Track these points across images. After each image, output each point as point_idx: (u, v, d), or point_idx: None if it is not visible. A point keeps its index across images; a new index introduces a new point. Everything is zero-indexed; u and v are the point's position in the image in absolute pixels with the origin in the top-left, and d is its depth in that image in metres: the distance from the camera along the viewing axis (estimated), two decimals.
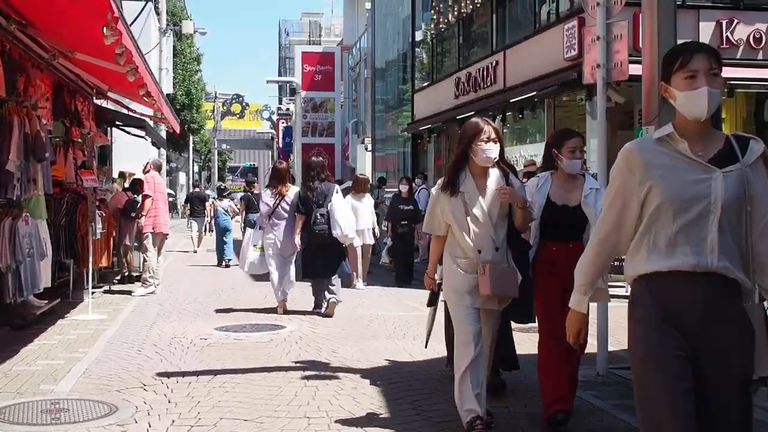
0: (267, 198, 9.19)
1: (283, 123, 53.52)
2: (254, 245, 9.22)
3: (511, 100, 14.28)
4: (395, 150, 27.72)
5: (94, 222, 8.85)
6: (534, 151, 14.39)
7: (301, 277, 9.28)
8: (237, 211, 16.41)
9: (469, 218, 4.38)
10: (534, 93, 13.23)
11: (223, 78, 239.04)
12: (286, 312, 9.07)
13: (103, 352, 6.95)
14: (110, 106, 14.64)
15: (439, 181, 4.58)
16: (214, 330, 8.06)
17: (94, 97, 12.82)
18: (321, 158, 9.90)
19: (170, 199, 47.34)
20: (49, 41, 8.45)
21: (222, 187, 18.28)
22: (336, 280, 9.07)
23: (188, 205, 20.08)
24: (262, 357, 6.75)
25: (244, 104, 62.37)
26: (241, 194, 16.92)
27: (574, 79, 11.22)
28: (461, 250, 4.45)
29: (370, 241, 12.32)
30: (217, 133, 55.42)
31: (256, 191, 15.33)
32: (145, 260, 11.06)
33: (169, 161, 43.86)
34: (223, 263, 15.35)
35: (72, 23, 7.39)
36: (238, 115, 62.72)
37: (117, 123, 15.38)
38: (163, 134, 20.46)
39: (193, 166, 57.33)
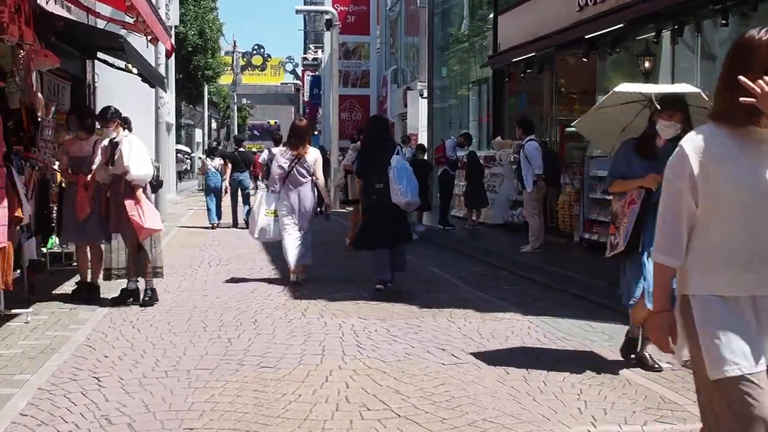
0: (281, 159, 8.56)
1: (309, 74, 48.42)
2: (267, 210, 8.60)
3: None
4: (456, 100, 22.07)
5: None
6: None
7: (358, 248, 8.63)
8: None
9: None
10: None
11: (240, 29, 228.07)
12: (305, 280, 8.37)
13: None
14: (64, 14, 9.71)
15: None
16: None
17: None
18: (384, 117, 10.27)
19: (186, 157, 42.78)
20: None
21: (213, 146, 17.72)
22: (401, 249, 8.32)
23: None
24: None
25: (265, 56, 58.11)
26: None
27: None
28: None
29: None
30: (237, 88, 50.63)
31: (242, 149, 15.73)
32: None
33: (181, 115, 38.86)
34: (211, 225, 14.89)
35: None
36: (259, 68, 58.39)
37: (97, 54, 11.04)
38: (164, 72, 15.78)
39: (210, 122, 52.41)
